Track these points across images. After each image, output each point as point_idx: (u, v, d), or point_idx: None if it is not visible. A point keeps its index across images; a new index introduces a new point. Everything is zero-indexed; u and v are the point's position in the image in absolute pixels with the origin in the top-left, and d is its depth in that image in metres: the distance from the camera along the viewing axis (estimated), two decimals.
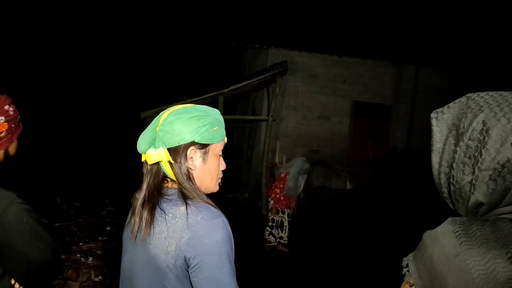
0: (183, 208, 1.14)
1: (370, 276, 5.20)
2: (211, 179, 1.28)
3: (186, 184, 1.20)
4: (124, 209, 5.32)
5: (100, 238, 4.30)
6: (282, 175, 6.03)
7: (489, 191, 0.76)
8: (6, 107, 1.52)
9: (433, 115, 0.93)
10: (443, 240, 0.76)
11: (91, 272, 3.72)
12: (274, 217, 6.02)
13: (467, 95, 0.88)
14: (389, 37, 10.86)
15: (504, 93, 0.82)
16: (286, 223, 6.04)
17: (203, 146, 1.24)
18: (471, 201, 0.79)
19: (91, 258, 3.81)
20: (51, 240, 1.49)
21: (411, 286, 0.79)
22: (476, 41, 10.84)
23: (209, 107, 1.30)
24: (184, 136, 1.19)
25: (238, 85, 8.50)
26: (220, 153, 1.30)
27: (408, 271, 0.82)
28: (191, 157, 1.22)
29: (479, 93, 0.86)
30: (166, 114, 1.23)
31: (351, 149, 10.25)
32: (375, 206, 8.61)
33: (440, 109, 0.92)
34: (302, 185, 6.05)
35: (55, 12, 16.02)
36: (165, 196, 1.20)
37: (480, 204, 0.79)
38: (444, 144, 0.87)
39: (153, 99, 8.72)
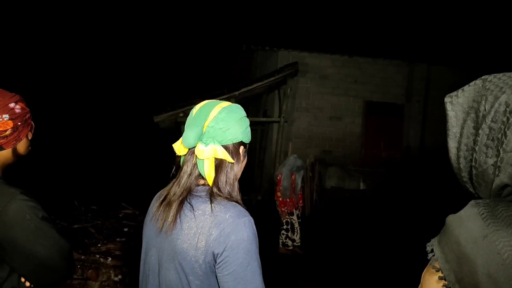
0: (212, 205, 1.17)
1: (383, 277, 5.18)
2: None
3: (228, 184, 1.23)
4: (141, 211, 5.40)
5: (118, 239, 4.36)
6: (278, 177, 5.97)
7: None
8: (12, 104, 1.50)
9: (447, 99, 0.91)
10: (469, 223, 0.75)
11: (111, 271, 3.78)
12: (288, 220, 5.99)
13: (483, 77, 0.86)
14: (400, 35, 10.81)
15: None
16: (296, 225, 6.00)
17: (245, 146, 1.30)
18: (496, 183, 0.78)
19: (110, 259, 3.87)
20: (59, 238, 1.47)
21: (437, 270, 0.79)
22: (488, 38, 10.74)
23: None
24: (237, 136, 1.23)
25: (249, 87, 8.54)
26: None
27: (433, 255, 0.81)
28: (242, 156, 1.28)
29: (495, 74, 0.85)
30: (216, 111, 1.23)
31: (364, 149, 10.22)
32: (389, 206, 8.56)
33: (454, 93, 0.90)
34: (299, 183, 5.97)
35: (70, 21, 16.27)
36: (194, 193, 1.23)
37: (505, 186, 0.77)
38: (462, 128, 0.86)
39: (165, 103, 8.80)
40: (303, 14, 12.24)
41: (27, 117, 1.57)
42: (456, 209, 0.85)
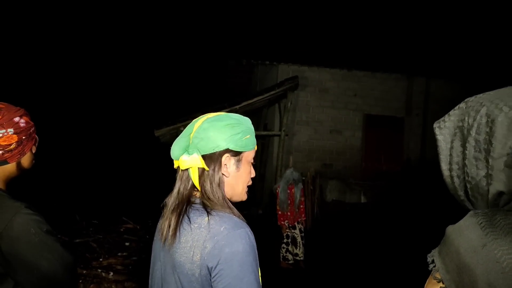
0: (207, 218, 1.17)
1: None
2: (243, 186, 1.32)
3: (212, 193, 1.23)
4: (142, 225, 5.40)
5: (119, 253, 4.35)
6: (277, 191, 6.00)
7: (507, 178, 0.77)
8: (17, 118, 1.51)
9: (435, 125, 0.96)
10: (468, 232, 0.76)
11: (112, 286, 3.77)
12: (288, 233, 5.96)
13: (465, 100, 0.92)
14: (398, 49, 10.89)
15: (499, 90, 0.87)
16: (299, 239, 5.96)
17: (237, 154, 1.27)
18: (491, 193, 0.80)
19: (111, 273, 3.86)
20: (63, 252, 1.47)
21: (438, 281, 0.79)
22: (485, 51, 10.82)
23: (240, 115, 1.35)
24: (219, 143, 1.23)
25: (250, 101, 8.59)
26: (252, 161, 1.35)
27: (434, 266, 0.82)
28: (225, 164, 1.25)
29: (476, 95, 0.90)
30: (200, 122, 1.26)
31: (364, 162, 10.22)
32: (390, 219, 8.53)
33: (442, 118, 0.96)
34: (298, 196, 5.96)
35: (72, 33, 16.42)
36: (193, 205, 1.23)
37: (501, 194, 0.79)
38: (451, 148, 0.90)
39: (166, 117, 8.84)
40: (303, 28, 12.36)
41: (31, 131, 1.58)
42: (455, 220, 0.87)
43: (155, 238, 1.34)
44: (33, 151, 1.64)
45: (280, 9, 13.47)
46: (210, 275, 1.12)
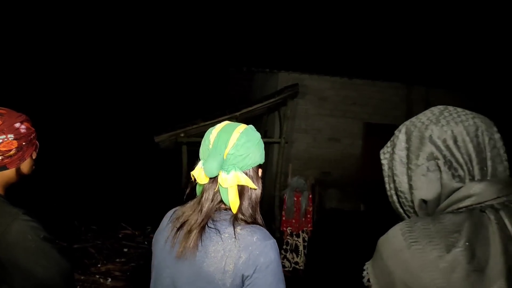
0: (238, 228, 1.19)
1: None
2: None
3: (249, 208, 1.25)
4: (141, 231, 5.36)
5: (118, 260, 4.33)
6: (284, 196, 6.08)
7: (425, 186, 0.85)
8: (17, 124, 1.51)
9: (381, 151, 1.08)
10: (392, 239, 0.83)
11: None
12: (288, 240, 5.96)
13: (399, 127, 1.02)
14: (398, 58, 10.95)
15: (425, 111, 0.98)
16: (301, 248, 5.95)
17: (261, 166, 1.31)
18: (415, 201, 0.88)
19: (110, 279, 3.84)
20: (60, 259, 1.46)
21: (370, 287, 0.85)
22: (485, 61, 10.87)
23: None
24: (257, 160, 1.25)
25: (250, 108, 8.61)
26: None
27: (367, 273, 0.88)
28: (260, 178, 1.29)
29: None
30: (235, 136, 1.24)
31: (363, 170, 10.22)
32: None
33: (386, 145, 1.07)
34: (304, 204, 5.98)
35: (68, 37, 16.48)
36: (217, 217, 1.24)
37: (424, 202, 0.87)
38: (389, 169, 1.00)
39: (166, 124, 8.84)
40: (304, 36, 12.42)
41: (32, 137, 1.58)
42: None
43: (157, 245, 1.32)
44: (33, 157, 1.64)
45: (281, 18, 13.55)
46: (243, 284, 1.14)
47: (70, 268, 1.55)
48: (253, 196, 1.27)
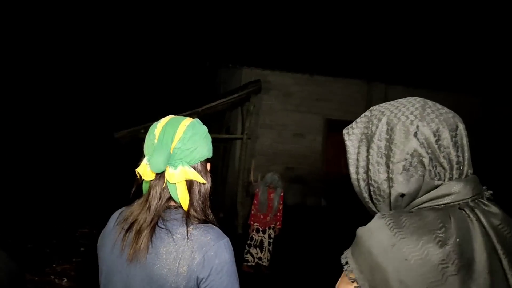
0: (191, 228, 1.14)
1: None
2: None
3: (199, 204, 1.20)
4: (98, 230, 5.21)
5: (74, 259, 4.19)
6: (256, 191, 6.03)
7: (406, 181, 0.86)
8: None
9: (344, 131, 1.05)
10: (378, 233, 0.82)
11: None
12: (253, 236, 5.95)
13: (370, 108, 1.02)
14: (359, 55, 11.16)
15: (399, 100, 0.97)
16: (266, 244, 5.95)
17: (209, 161, 1.27)
18: (393, 195, 0.88)
19: (65, 280, 3.71)
20: (8, 261, 1.43)
21: (353, 281, 0.84)
22: (442, 58, 11.25)
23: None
24: (205, 153, 1.22)
25: (213, 104, 8.54)
26: None
27: (349, 267, 0.87)
28: (208, 173, 1.24)
29: (380, 104, 1.00)
30: (181, 129, 1.19)
31: (326, 166, 10.36)
32: (350, 223, 8.68)
33: (350, 125, 1.05)
34: (276, 202, 5.99)
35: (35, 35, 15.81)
36: (167, 216, 1.18)
37: (402, 196, 0.87)
38: (358, 153, 0.98)
39: (125, 119, 8.65)
40: (267, 33, 12.44)
41: None
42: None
43: (104, 250, 1.25)
44: None
45: (244, 14, 13.51)
46: (198, 287, 1.11)
47: (19, 271, 1.50)
48: (203, 190, 1.23)
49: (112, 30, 16.82)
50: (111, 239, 1.23)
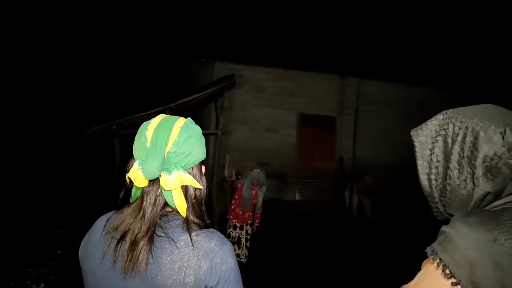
0: (193, 235, 1.09)
1: None
2: None
3: (199, 209, 1.15)
4: (75, 231, 5.03)
5: (50, 263, 4.05)
6: (238, 186, 5.96)
7: (491, 181, 0.89)
8: None
9: (413, 132, 1.06)
10: (474, 230, 0.84)
11: None
12: (231, 232, 5.90)
13: (442, 112, 1.03)
14: (332, 50, 11.23)
15: (474, 107, 1.00)
16: (243, 240, 5.91)
17: (203, 162, 1.21)
18: (478, 193, 0.91)
19: (42, 285, 3.58)
20: None
21: (449, 277, 0.85)
22: (414, 54, 11.46)
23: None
24: (200, 156, 1.16)
25: (186, 99, 8.44)
26: None
27: (442, 263, 0.87)
28: (203, 176, 1.19)
29: (452, 109, 1.03)
30: (175, 132, 1.11)
31: (299, 160, 10.42)
32: (324, 217, 8.76)
33: (419, 127, 1.06)
34: (260, 199, 5.98)
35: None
36: (165, 223, 1.11)
37: (486, 195, 0.90)
38: (431, 154, 1.01)
39: (95, 116, 8.44)
40: (239, 27, 12.36)
41: None
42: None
43: (91, 261, 1.15)
44: None
45: (216, 7, 13.38)
46: None
47: None
48: (198, 195, 1.16)
49: (80, 22, 16.38)
50: (99, 250, 1.13)
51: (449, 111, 1.02)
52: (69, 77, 17.59)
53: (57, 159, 14.20)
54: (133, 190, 1.16)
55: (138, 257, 1.05)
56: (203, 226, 1.13)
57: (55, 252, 4.41)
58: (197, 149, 1.14)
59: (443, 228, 0.90)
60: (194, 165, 1.15)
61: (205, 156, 1.20)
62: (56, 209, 7.49)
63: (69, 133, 13.10)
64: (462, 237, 0.84)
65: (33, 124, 16.11)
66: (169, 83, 13.85)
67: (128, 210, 1.14)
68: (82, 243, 1.20)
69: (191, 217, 1.12)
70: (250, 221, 5.99)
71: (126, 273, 1.06)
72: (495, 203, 0.90)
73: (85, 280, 1.17)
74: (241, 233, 5.92)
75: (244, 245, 5.94)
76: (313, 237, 7.56)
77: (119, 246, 1.09)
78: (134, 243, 1.07)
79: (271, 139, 10.15)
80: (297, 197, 10.23)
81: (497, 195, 0.90)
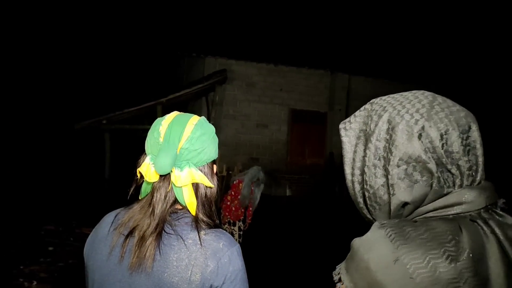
0: (202, 233, 1.09)
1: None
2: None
3: (209, 208, 1.15)
4: (65, 227, 5.02)
5: (42, 259, 4.02)
6: (234, 182, 5.86)
7: (409, 188, 0.75)
8: None
9: (341, 126, 0.92)
10: (378, 246, 0.72)
11: None
12: (226, 229, 5.91)
13: (371, 101, 0.89)
14: (322, 46, 11.27)
15: (404, 93, 0.84)
16: (236, 236, 5.91)
17: (215, 162, 1.21)
18: (394, 203, 0.77)
19: (35, 282, 3.55)
20: None
21: None
22: (404, 50, 11.54)
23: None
24: (212, 155, 1.16)
25: (178, 94, 8.43)
26: None
27: (342, 284, 0.77)
28: (215, 175, 1.19)
29: (381, 97, 0.87)
30: (189, 128, 1.12)
31: (290, 156, 10.48)
32: (314, 212, 8.83)
33: (348, 119, 0.92)
34: (258, 197, 5.95)
35: None
36: (174, 220, 1.12)
37: (405, 204, 0.76)
38: (354, 152, 0.86)
39: (86, 110, 8.41)
40: (231, 22, 12.35)
41: None
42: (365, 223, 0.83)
43: (97, 257, 1.15)
44: None
45: (208, 2, 13.34)
46: None
47: None
48: (209, 194, 1.16)
49: (71, 16, 16.24)
50: (107, 246, 1.13)
51: (377, 99, 0.87)
52: (59, 71, 17.43)
53: (47, 154, 14.10)
54: (143, 186, 1.15)
55: (145, 253, 1.05)
56: (212, 225, 1.13)
57: (46, 248, 4.36)
58: (209, 148, 1.15)
59: (353, 241, 0.78)
60: (206, 163, 1.15)
61: (217, 156, 1.20)
62: (46, 205, 7.46)
63: (59, 128, 13.02)
64: (365, 254, 0.72)
65: (22, 119, 15.97)
66: (160, 77, 13.80)
67: (137, 207, 1.14)
68: (88, 239, 1.20)
69: (201, 216, 1.12)
70: (242, 218, 6.00)
71: (133, 269, 1.06)
72: (417, 211, 0.77)
73: (89, 277, 1.17)
74: (233, 229, 5.94)
75: (237, 240, 5.97)
76: (303, 231, 7.62)
77: (126, 242, 1.09)
78: (142, 239, 1.07)
79: (261, 134, 10.19)
80: (288, 192, 10.29)
81: (418, 204, 0.76)
